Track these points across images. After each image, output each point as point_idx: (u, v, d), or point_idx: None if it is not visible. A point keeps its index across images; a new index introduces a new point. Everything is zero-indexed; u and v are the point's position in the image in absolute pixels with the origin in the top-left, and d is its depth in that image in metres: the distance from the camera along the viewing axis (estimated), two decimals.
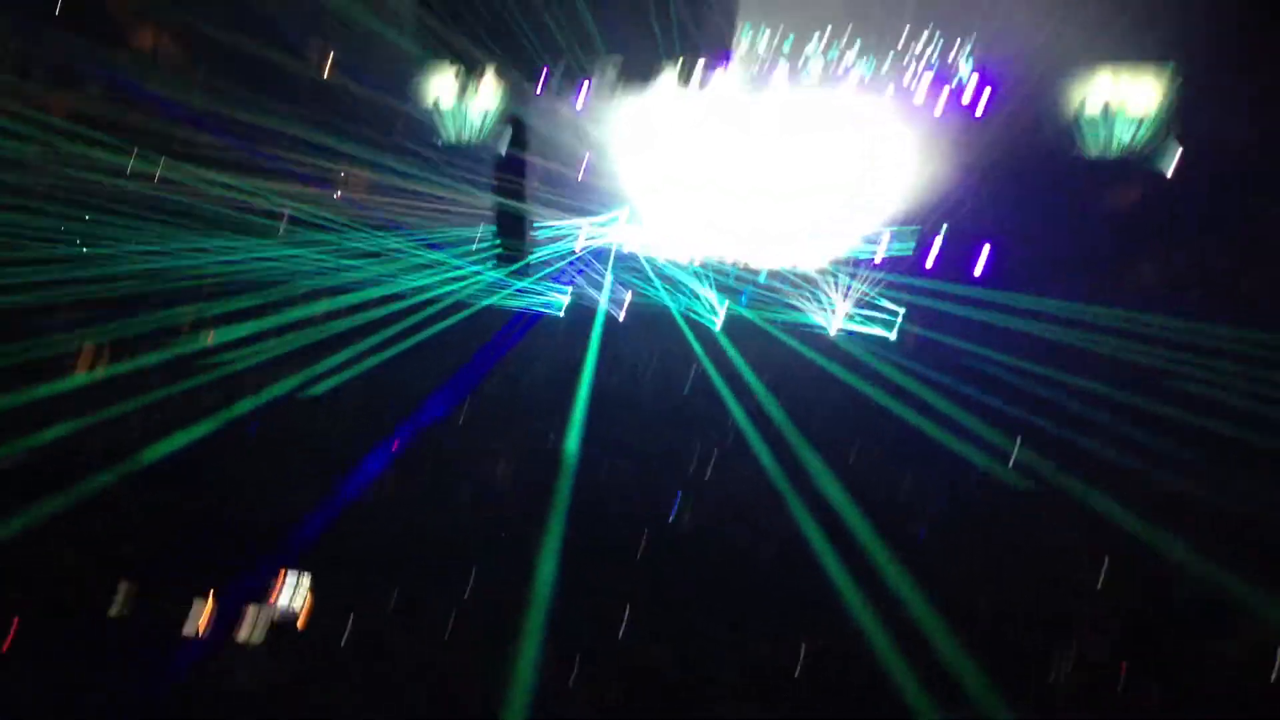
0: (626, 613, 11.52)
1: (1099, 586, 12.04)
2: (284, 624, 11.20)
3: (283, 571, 11.68)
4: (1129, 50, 19.45)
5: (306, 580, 11.65)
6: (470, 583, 12.10)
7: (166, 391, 16.55)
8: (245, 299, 19.36)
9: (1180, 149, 20.15)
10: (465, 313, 19.96)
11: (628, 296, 21.32)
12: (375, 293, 20.34)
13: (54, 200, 20.20)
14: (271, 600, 11.45)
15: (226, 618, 10.94)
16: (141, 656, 9.92)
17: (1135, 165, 20.52)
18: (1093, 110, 20.35)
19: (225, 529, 12.76)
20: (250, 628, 10.95)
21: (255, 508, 13.40)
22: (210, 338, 18.70)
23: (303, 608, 11.45)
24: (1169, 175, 20.28)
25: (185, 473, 14.27)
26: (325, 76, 20.54)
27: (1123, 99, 20.26)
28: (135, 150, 20.37)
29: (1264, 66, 17.99)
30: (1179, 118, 19.97)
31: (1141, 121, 20.28)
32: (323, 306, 20.38)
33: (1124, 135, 20.40)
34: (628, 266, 22.11)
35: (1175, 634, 10.48)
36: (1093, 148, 20.31)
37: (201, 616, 10.88)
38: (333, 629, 11.15)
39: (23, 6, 19.48)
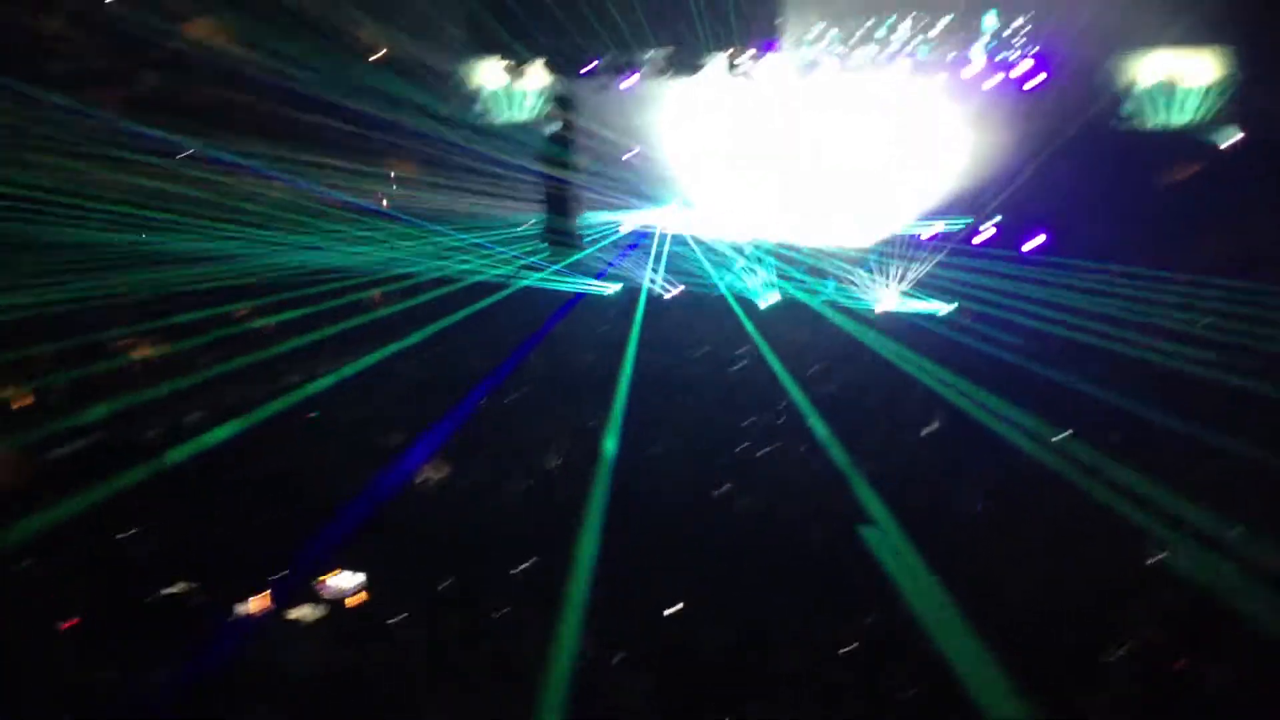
0: (673, 597, 11.46)
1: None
2: (336, 603, 11.30)
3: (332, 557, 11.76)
4: (1187, 33, 19.11)
5: (357, 573, 11.72)
6: (519, 565, 12.10)
7: (222, 373, 16.85)
8: (297, 290, 19.58)
9: (1237, 127, 19.77)
10: (505, 292, 20.02)
11: (676, 278, 21.29)
12: (426, 277, 20.48)
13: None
14: (323, 581, 11.54)
15: (280, 598, 11.03)
16: (195, 636, 10.03)
17: (1192, 141, 20.15)
18: (1149, 84, 19.99)
19: (279, 511, 12.88)
20: (303, 607, 11.05)
21: (307, 491, 13.51)
22: (268, 327, 18.98)
23: (355, 588, 11.54)
24: (1225, 151, 19.90)
25: (241, 456, 14.46)
26: (375, 58, 20.67)
27: (1180, 75, 19.90)
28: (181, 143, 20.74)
29: None
30: (1237, 97, 19.59)
31: (1199, 97, 19.90)
32: (377, 292, 20.58)
33: (1180, 110, 20.04)
34: (677, 247, 22.06)
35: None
36: (1149, 121, 19.97)
37: (255, 598, 10.99)
38: (383, 611, 11.20)
39: None
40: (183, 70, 20.74)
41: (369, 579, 11.68)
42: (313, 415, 15.91)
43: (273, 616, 10.99)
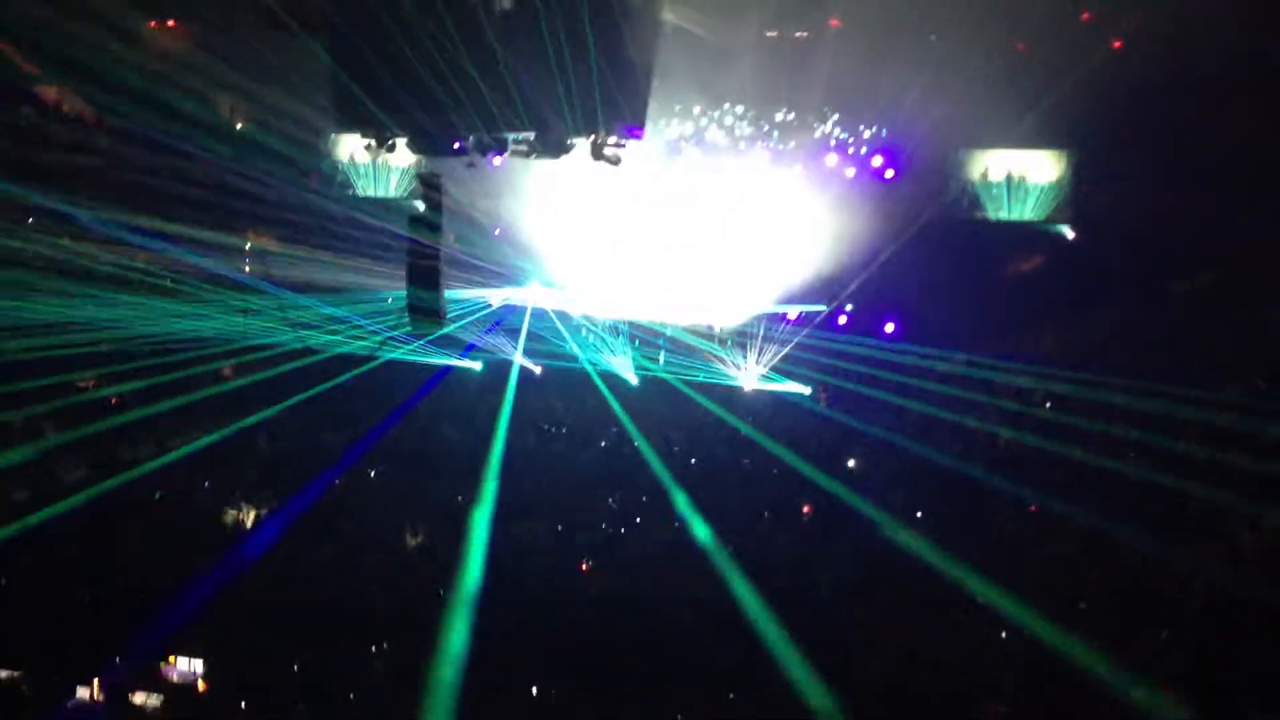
0: (538, 684, 11.26)
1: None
2: (178, 689, 10.74)
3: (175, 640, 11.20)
4: (1028, 134, 20.24)
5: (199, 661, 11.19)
6: (377, 652, 11.72)
7: (62, 444, 16.06)
8: (149, 360, 18.82)
9: (1073, 221, 20.97)
10: (371, 365, 19.65)
11: (542, 354, 21.27)
12: (285, 349, 19.95)
13: None
14: (170, 663, 10.99)
15: (114, 686, 10.43)
16: None
17: (1034, 233, 21.24)
18: (995, 179, 21.07)
19: (121, 593, 12.23)
20: (139, 695, 10.47)
21: (153, 571, 12.86)
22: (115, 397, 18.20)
23: (197, 674, 11.01)
24: (1067, 243, 21.03)
25: (81, 532, 13.71)
26: (239, 127, 20.25)
27: (1023, 172, 21.03)
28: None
29: (1151, 147, 18.86)
30: (1074, 193, 20.80)
31: (1040, 194, 21.05)
32: (229, 364, 19.94)
33: (1024, 206, 21.15)
34: (543, 324, 22.06)
35: None
36: (992, 214, 21.02)
37: (88, 686, 10.37)
38: (227, 699, 10.69)
39: None
40: (37, 133, 19.97)
41: (210, 664, 11.17)
42: (158, 495, 15.17)
43: (109, 704, 10.37)
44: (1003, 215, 21.17)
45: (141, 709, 10.38)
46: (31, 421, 17.13)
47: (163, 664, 11.00)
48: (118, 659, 10.58)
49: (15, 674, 10.50)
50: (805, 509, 16.36)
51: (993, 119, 19.92)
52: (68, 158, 19.54)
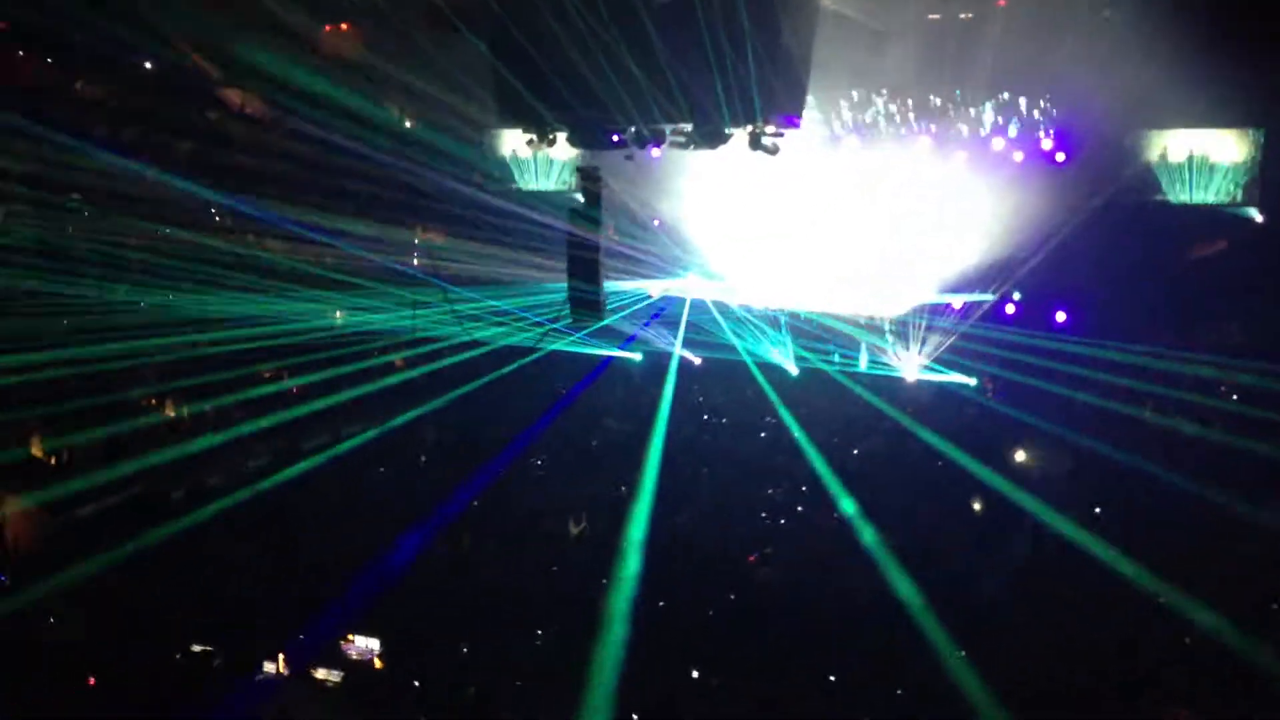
0: (698, 671, 11.33)
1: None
2: (356, 666, 11.24)
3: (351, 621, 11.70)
4: (1211, 112, 19.19)
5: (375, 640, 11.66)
6: (541, 638, 11.99)
7: (248, 434, 16.91)
8: (324, 352, 19.66)
9: (1261, 203, 19.77)
10: (532, 357, 20.05)
11: (701, 346, 21.36)
12: (451, 342, 20.56)
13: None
14: (350, 640, 11.50)
15: (298, 661, 10.97)
16: (214, 696, 9.96)
17: (1218, 218, 20.14)
18: (1176, 160, 20.06)
19: (305, 575, 12.85)
20: (322, 670, 10.99)
21: (328, 554, 13.47)
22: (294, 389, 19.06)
23: (374, 652, 11.49)
24: (1253, 228, 19.87)
25: (265, 517, 14.46)
26: (408, 125, 20.88)
27: (1205, 152, 19.96)
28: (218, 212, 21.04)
29: None
30: (1262, 174, 19.60)
31: (1225, 175, 19.94)
32: (400, 356, 20.66)
33: (1207, 188, 20.07)
34: (702, 316, 22.12)
35: None
36: (1174, 197, 20.00)
37: (274, 660, 10.94)
38: (402, 676, 11.11)
39: None
40: (221, 134, 21.07)
41: (386, 644, 11.62)
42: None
43: (292, 678, 10.92)
44: (1184, 198, 20.15)
45: (323, 683, 10.89)
46: (222, 411, 18.12)
47: (342, 642, 11.50)
48: (301, 636, 11.09)
49: (209, 648, 11.17)
50: (975, 505, 15.95)
51: (1172, 97, 18.96)
52: (249, 159, 20.56)
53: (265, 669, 10.86)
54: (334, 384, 18.71)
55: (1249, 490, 14.57)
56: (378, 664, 11.39)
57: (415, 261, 22.85)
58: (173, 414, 18.38)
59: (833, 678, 11.06)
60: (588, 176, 19.94)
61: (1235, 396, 18.21)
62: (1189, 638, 11.57)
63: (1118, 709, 10.18)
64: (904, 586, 12.34)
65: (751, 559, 14.08)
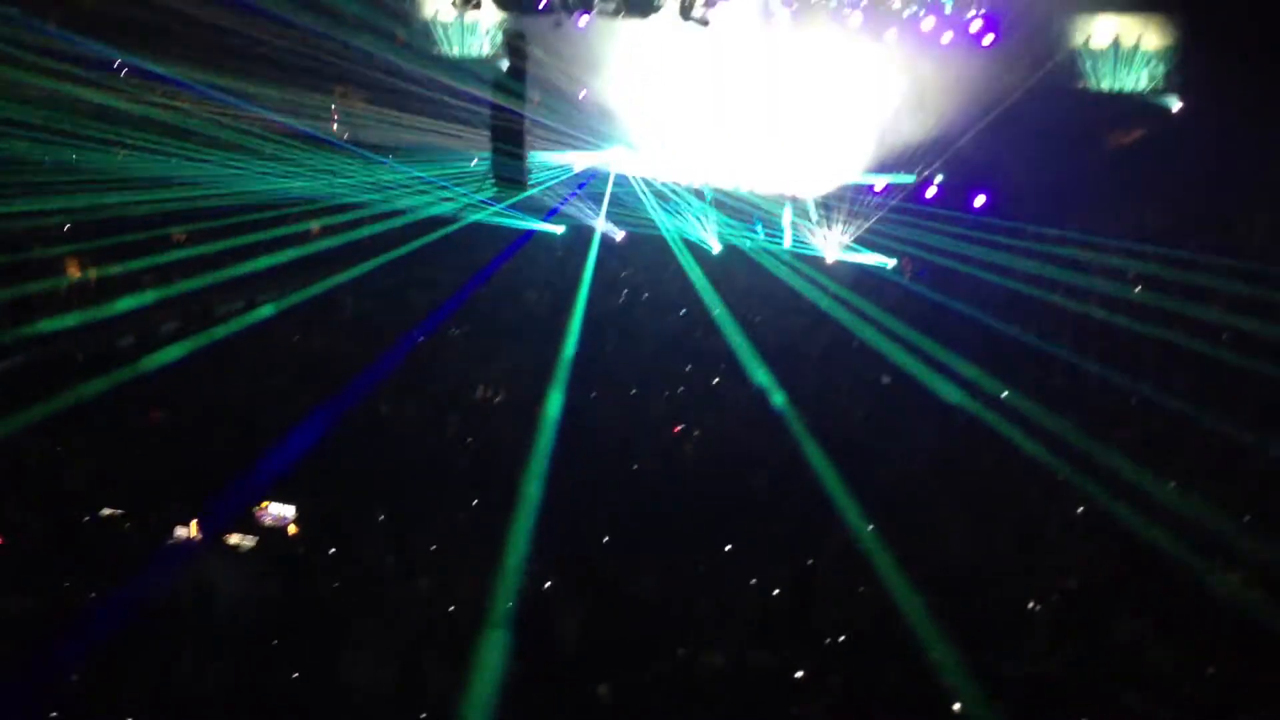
0: (609, 541, 11.50)
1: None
2: (270, 533, 11.21)
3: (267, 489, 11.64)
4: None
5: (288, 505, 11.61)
6: (456, 508, 12.06)
7: (158, 299, 16.55)
8: (236, 216, 19.16)
9: (1182, 91, 20.00)
10: (454, 227, 19.78)
11: (624, 220, 21.24)
12: (370, 211, 20.17)
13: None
14: (263, 508, 11.45)
15: (211, 526, 10.91)
16: (129, 564, 9.88)
17: (1139, 103, 20.36)
18: (1100, 46, 20.10)
19: (213, 440, 12.72)
20: (236, 536, 10.94)
21: (243, 420, 13.34)
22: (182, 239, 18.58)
23: (290, 519, 11.46)
24: (1172, 114, 20.12)
25: (177, 383, 14.23)
26: None
27: (1130, 39, 20.04)
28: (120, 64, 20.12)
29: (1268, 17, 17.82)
30: (1183, 60, 19.78)
31: (1148, 62, 20.08)
32: (316, 224, 20.24)
33: (1129, 75, 20.21)
34: (625, 189, 21.95)
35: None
36: (1099, 83, 20.14)
37: (186, 525, 10.85)
38: (318, 544, 11.11)
39: None
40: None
41: (301, 512, 11.60)
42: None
43: (205, 544, 10.87)
44: (1107, 85, 20.31)
45: (236, 548, 10.86)
46: (132, 275, 17.64)
47: (256, 509, 11.46)
48: (214, 503, 11.01)
49: (118, 512, 11.05)
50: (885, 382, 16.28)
51: None
52: (161, 18, 19.66)
53: (177, 534, 10.77)
54: (249, 250, 18.29)
55: (1153, 374, 15.09)
56: (292, 530, 11.38)
57: (334, 128, 22.26)
58: (79, 276, 17.84)
59: (738, 546, 11.31)
60: (513, 44, 19.46)
61: (1139, 286, 18.68)
62: (1083, 511, 12.03)
63: (1017, 579, 10.59)
64: (817, 461, 12.62)
65: (676, 430, 14.25)
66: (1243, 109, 18.64)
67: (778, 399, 14.51)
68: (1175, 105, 20.27)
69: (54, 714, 7.52)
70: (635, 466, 13.23)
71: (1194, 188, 19.74)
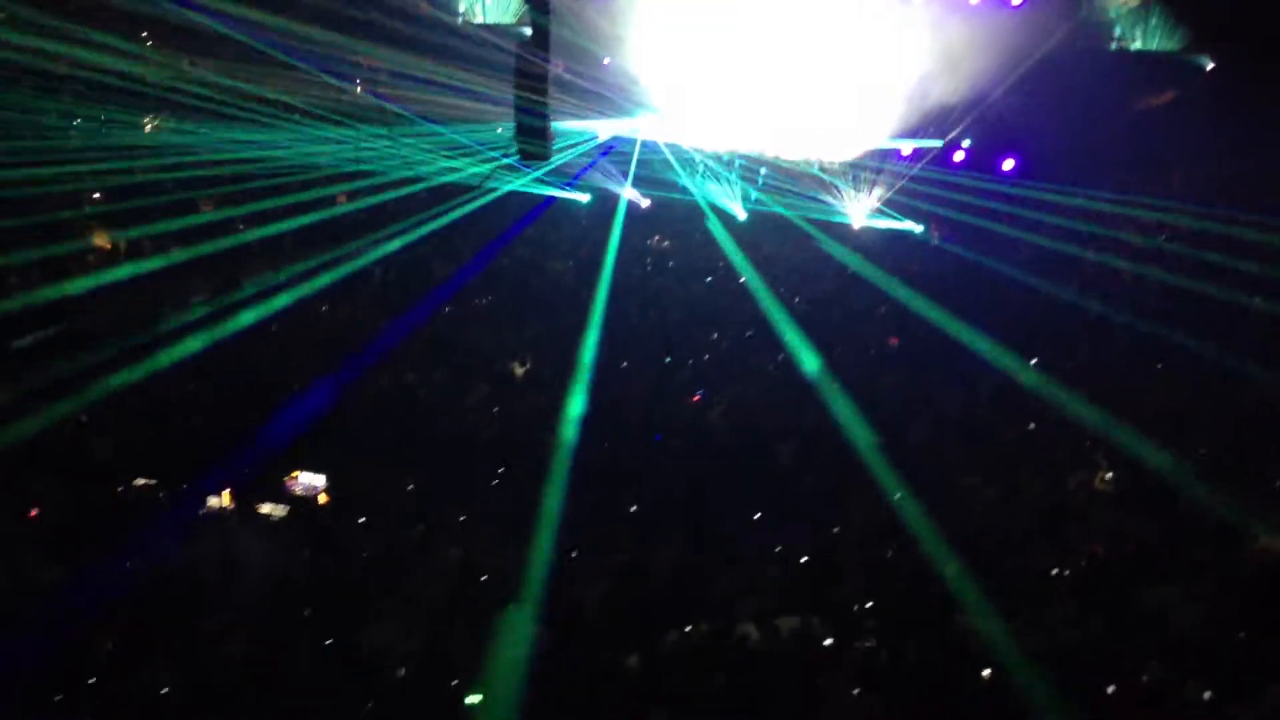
0: (636, 511, 11.55)
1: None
2: (300, 503, 11.31)
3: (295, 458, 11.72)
4: None
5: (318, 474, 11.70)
6: (484, 478, 12.11)
7: (184, 264, 16.61)
8: (261, 183, 19.18)
9: (1214, 49, 19.64)
10: (485, 199, 19.77)
11: (650, 187, 21.16)
12: (392, 178, 20.15)
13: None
14: (294, 478, 11.55)
15: (241, 496, 11.02)
16: (156, 531, 9.99)
17: (1170, 65, 20.01)
18: (1130, 4, 19.76)
19: (240, 409, 12.78)
20: (266, 505, 11.05)
21: (269, 390, 13.41)
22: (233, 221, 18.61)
23: (320, 488, 11.56)
24: (1203, 77, 19.77)
25: (203, 351, 14.30)
26: None
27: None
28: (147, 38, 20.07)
29: None
30: (1215, 18, 19.40)
31: (1179, 19, 19.72)
32: (342, 190, 20.25)
33: (1160, 34, 19.85)
34: (652, 156, 21.84)
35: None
36: (1130, 43, 19.80)
37: (217, 495, 10.97)
38: (345, 514, 11.21)
39: None
40: None
41: (330, 481, 11.69)
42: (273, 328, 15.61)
43: (235, 513, 10.98)
44: (1138, 45, 19.94)
45: (268, 518, 10.97)
46: (158, 241, 17.71)
47: (287, 479, 11.56)
48: (245, 471, 11.11)
49: (152, 482, 11.17)
50: (893, 340, 16.20)
51: None
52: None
53: (209, 504, 10.90)
54: (274, 217, 18.33)
55: (1183, 336, 14.91)
56: (322, 499, 11.49)
57: (358, 90, 22.20)
58: (107, 243, 17.94)
59: (770, 515, 11.32)
60: (537, 10, 19.25)
61: (1171, 247, 18.45)
62: (1110, 477, 11.95)
63: (1044, 546, 10.54)
64: (845, 429, 12.56)
65: (696, 399, 14.24)
66: (1277, 67, 18.30)
67: (806, 366, 14.44)
68: (1208, 64, 19.87)
69: (88, 681, 7.64)
70: (661, 436, 13.21)
71: (1226, 147, 19.44)
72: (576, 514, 10.46)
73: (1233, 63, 19.55)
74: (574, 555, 10.02)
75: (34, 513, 10.29)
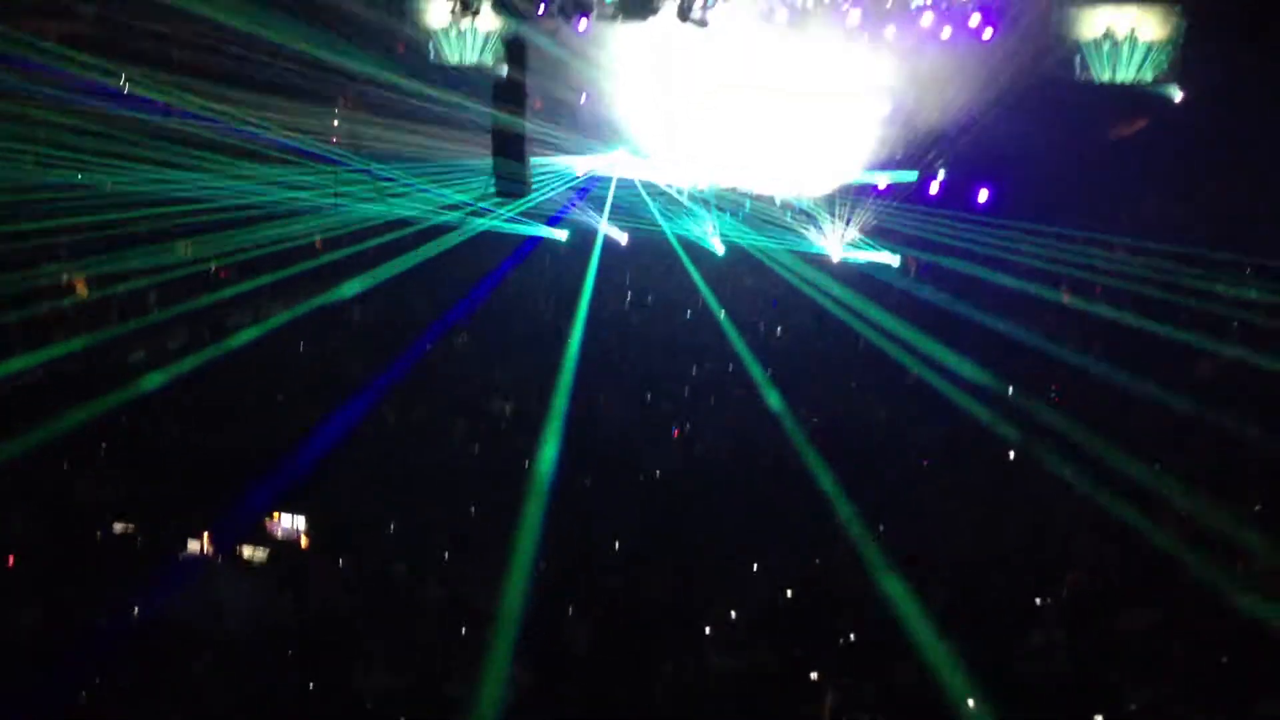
0: (619, 546, 11.56)
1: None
2: (282, 545, 11.27)
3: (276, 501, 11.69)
4: None
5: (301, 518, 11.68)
6: (465, 515, 12.11)
7: (161, 319, 16.60)
8: (238, 231, 19.21)
9: (1183, 81, 19.93)
10: (461, 239, 19.84)
11: (627, 224, 21.27)
12: (372, 221, 20.21)
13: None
14: (274, 519, 11.51)
15: (223, 540, 10.97)
16: (139, 579, 9.93)
17: (1141, 97, 20.29)
18: (1100, 37, 20.06)
19: (221, 455, 12.74)
20: (247, 549, 11.01)
21: (252, 433, 13.39)
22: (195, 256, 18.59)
23: (300, 531, 11.53)
24: (1174, 105, 20.06)
25: (187, 396, 14.31)
26: None
27: (1130, 29, 19.97)
28: (123, 73, 20.14)
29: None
30: (1184, 51, 19.71)
31: (1148, 52, 20.01)
32: (319, 234, 20.28)
33: (1130, 66, 20.14)
34: (629, 193, 21.96)
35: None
36: (1099, 75, 20.07)
37: (198, 539, 10.92)
38: (331, 556, 11.18)
39: None
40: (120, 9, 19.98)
41: (311, 522, 11.66)
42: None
43: (216, 558, 10.94)
44: (1107, 77, 20.23)
45: (249, 561, 10.92)
46: (137, 291, 17.68)
47: (267, 520, 11.51)
48: (225, 516, 11.07)
49: (130, 526, 11.11)
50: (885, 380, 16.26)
51: None
52: (158, 44, 19.71)
53: (189, 548, 10.84)
54: (255, 262, 18.36)
55: (1159, 369, 15.04)
56: (304, 542, 11.44)
57: (334, 140, 22.26)
58: (86, 295, 17.90)
59: (748, 549, 11.34)
60: (512, 49, 19.43)
61: (1143, 279, 18.62)
62: (1090, 507, 12.01)
63: (1025, 576, 10.60)
64: (819, 466, 12.64)
65: (675, 433, 14.28)
66: (1246, 99, 18.59)
67: (785, 401, 14.51)
68: (1177, 95, 20.18)
69: None
70: (642, 470, 13.24)
71: (1197, 179, 19.70)
72: (559, 549, 10.47)
73: (1202, 93, 19.83)
74: (557, 591, 10.01)
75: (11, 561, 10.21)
